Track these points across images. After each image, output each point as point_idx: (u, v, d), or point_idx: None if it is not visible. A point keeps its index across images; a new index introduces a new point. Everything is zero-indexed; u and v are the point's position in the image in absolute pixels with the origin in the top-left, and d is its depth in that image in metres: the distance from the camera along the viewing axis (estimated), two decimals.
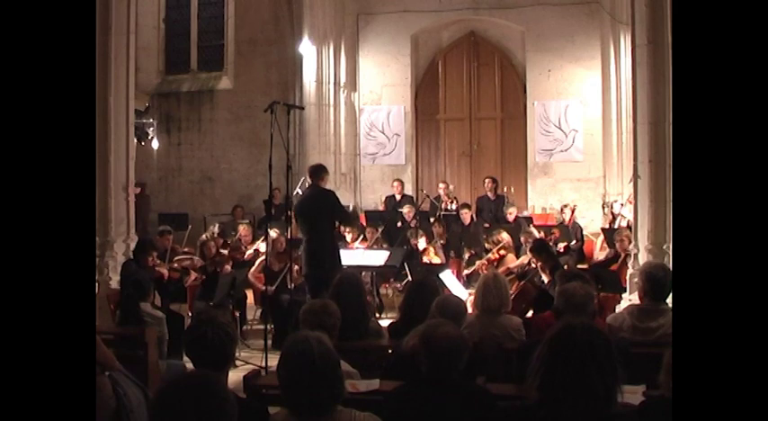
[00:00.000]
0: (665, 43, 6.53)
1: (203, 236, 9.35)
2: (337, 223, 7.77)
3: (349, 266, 7.48)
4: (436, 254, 9.57)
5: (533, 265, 7.60)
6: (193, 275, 8.12)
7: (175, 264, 8.13)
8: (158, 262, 7.49)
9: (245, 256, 9.08)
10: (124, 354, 3.81)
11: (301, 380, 2.47)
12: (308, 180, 7.51)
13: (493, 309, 4.82)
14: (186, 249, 9.58)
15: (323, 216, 7.24)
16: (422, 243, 9.54)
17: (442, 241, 9.86)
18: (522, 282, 7.62)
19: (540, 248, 7.52)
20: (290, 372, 2.50)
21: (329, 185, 11.62)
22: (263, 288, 7.97)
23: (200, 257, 8.33)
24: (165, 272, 7.50)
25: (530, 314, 6.71)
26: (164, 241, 8.58)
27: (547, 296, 6.81)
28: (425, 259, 9.38)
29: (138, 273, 6.83)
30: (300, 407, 2.49)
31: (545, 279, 7.22)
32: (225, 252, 8.92)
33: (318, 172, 7.41)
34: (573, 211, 10.93)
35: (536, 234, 9.32)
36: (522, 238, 9.10)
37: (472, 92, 13.57)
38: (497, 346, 4.50)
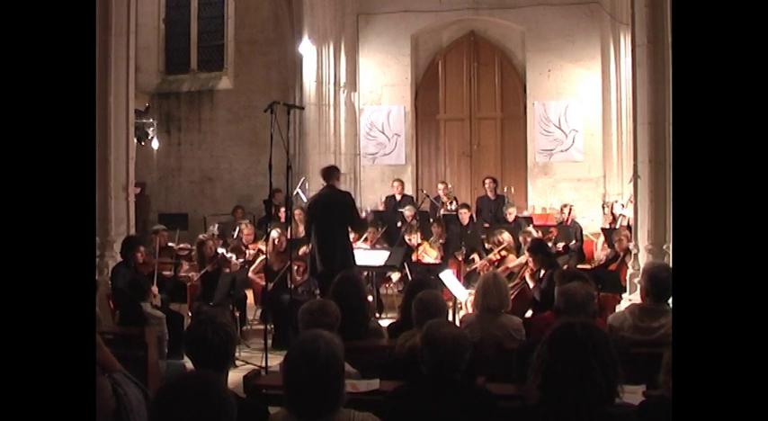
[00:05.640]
0: (665, 43, 6.53)
1: (201, 235, 9.31)
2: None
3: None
4: (431, 248, 9.56)
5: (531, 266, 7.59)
6: (186, 265, 8.11)
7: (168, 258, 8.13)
8: (147, 257, 7.48)
9: (247, 256, 9.06)
10: (124, 354, 3.80)
11: (302, 379, 2.45)
12: (323, 181, 7.57)
13: (493, 309, 4.82)
14: (182, 245, 9.58)
15: (338, 215, 7.27)
16: (416, 239, 9.56)
17: (441, 240, 9.85)
18: (520, 282, 7.63)
19: (537, 248, 7.50)
20: (292, 370, 2.49)
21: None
22: (263, 284, 7.94)
23: (199, 257, 8.23)
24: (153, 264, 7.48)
25: (529, 314, 6.72)
26: (158, 238, 8.57)
27: (534, 301, 6.85)
28: (422, 256, 9.36)
29: (128, 275, 6.84)
30: (299, 406, 2.48)
31: (530, 283, 7.22)
32: (224, 252, 8.88)
33: (331, 173, 7.52)
34: (570, 211, 10.93)
35: (534, 233, 9.31)
36: (521, 238, 9.10)
37: (472, 92, 13.55)
38: (497, 346, 4.50)
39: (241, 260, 8.77)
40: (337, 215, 7.27)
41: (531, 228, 9.64)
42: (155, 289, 6.79)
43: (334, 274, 6.53)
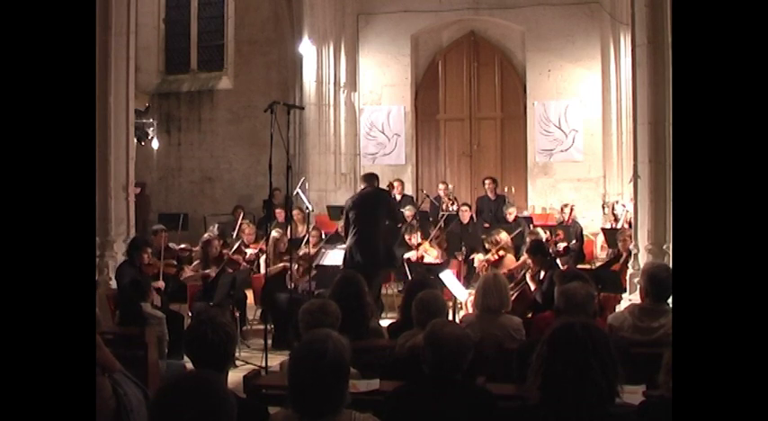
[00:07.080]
0: (665, 43, 6.53)
1: (206, 234, 9.28)
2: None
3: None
4: (432, 247, 9.56)
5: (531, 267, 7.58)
6: (188, 271, 8.10)
7: (174, 261, 8.12)
8: (153, 259, 7.48)
9: (248, 256, 9.05)
10: (124, 354, 3.80)
11: (307, 378, 2.44)
12: (363, 184, 8.25)
13: (493, 309, 4.82)
14: (183, 246, 9.57)
15: (382, 210, 7.94)
16: (416, 239, 9.56)
17: (444, 245, 9.84)
18: (521, 284, 7.62)
19: (536, 249, 7.51)
20: (298, 368, 2.48)
21: (330, 186, 11.87)
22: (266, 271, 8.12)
23: (203, 257, 8.22)
24: (159, 267, 7.49)
25: (530, 315, 6.72)
26: (158, 239, 8.58)
27: (535, 302, 6.85)
28: (423, 255, 9.35)
29: (133, 274, 6.84)
30: (302, 405, 2.47)
31: (532, 286, 7.21)
32: (228, 252, 8.86)
33: (372, 178, 8.27)
34: (571, 211, 10.93)
35: (542, 235, 9.30)
36: (528, 239, 9.08)
37: (472, 92, 13.55)
38: (497, 346, 4.50)
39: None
40: (381, 209, 7.91)
41: (539, 230, 9.61)
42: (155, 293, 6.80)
43: (375, 265, 7.17)
